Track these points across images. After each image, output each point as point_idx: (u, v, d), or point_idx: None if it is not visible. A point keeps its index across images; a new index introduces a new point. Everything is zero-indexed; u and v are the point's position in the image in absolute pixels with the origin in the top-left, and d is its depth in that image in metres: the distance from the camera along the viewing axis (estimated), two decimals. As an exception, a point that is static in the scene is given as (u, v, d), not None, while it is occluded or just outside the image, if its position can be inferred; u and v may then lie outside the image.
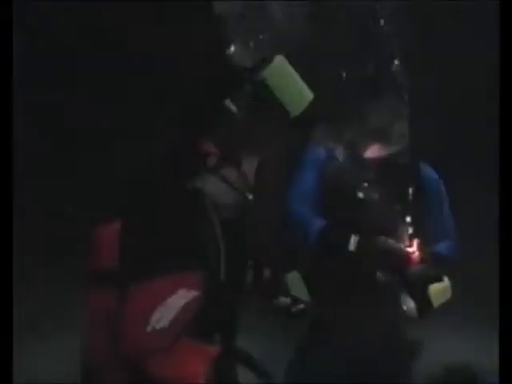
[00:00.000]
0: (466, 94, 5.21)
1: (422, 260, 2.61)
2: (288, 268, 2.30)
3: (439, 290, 2.63)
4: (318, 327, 2.68)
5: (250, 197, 1.91)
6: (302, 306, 2.08)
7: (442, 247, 2.75)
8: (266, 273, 2.00)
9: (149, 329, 1.65)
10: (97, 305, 1.74)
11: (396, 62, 2.66)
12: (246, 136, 1.89)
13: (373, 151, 2.70)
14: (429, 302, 2.60)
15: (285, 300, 2.07)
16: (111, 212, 1.83)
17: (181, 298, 1.69)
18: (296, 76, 1.94)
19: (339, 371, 2.55)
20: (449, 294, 2.66)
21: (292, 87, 1.92)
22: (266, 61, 1.89)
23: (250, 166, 1.91)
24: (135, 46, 5.05)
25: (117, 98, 5.43)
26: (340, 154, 2.71)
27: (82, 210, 4.66)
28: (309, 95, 1.94)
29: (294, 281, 2.35)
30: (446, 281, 2.65)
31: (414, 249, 2.60)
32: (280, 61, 1.90)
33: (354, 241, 2.57)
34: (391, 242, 2.59)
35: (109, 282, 1.72)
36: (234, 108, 1.86)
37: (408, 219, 2.64)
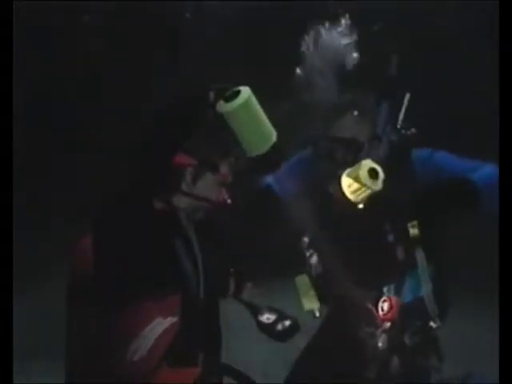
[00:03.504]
0: (465, 93, 5.23)
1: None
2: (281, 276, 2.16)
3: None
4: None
5: (229, 201, 1.82)
6: (288, 322, 1.87)
7: (477, 176, 2.24)
8: (249, 284, 1.90)
9: (128, 359, 1.63)
10: (78, 327, 1.73)
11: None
12: (222, 138, 1.79)
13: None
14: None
15: (269, 316, 1.89)
16: (85, 234, 1.77)
17: (158, 326, 1.65)
18: (259, 116, 1.76)
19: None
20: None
21: (252, 128, 1.75)
22: (229, 94, 1.73)
23: (227, 167, 1.82)
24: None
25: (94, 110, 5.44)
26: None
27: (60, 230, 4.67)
28: (270, 139, 1.77)
29: (303, 285, 2.27)
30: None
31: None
32: (244, 98, 1.73)
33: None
34: None
35: (88, 306, 1.69)
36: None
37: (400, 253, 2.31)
